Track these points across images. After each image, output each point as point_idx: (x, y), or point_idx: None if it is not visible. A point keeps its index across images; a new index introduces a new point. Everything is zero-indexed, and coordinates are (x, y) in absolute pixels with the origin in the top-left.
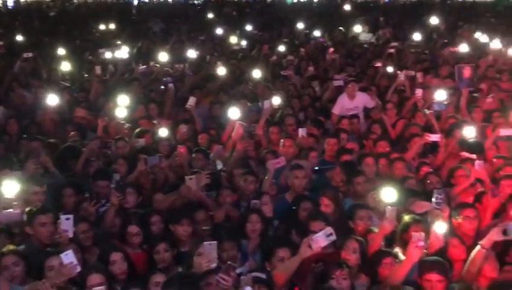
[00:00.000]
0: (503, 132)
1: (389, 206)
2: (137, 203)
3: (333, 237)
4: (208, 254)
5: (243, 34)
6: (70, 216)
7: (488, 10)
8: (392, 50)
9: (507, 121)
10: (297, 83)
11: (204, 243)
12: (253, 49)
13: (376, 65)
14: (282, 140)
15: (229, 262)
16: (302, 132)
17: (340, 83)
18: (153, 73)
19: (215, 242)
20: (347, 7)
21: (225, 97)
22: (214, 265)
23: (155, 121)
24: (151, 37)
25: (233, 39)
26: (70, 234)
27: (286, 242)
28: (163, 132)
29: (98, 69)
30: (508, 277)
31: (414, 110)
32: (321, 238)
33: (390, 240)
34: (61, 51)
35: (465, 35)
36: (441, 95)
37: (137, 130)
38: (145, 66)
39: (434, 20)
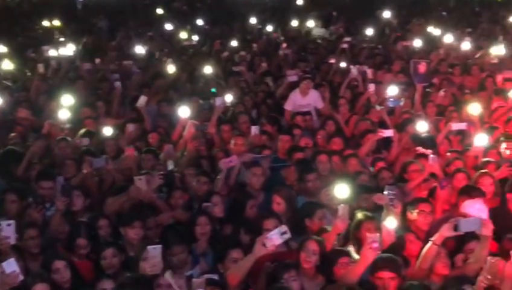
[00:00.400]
0: (455, 126)
1: (341, 205)
2: (85, 206)
3: (287, 235)
4: (152, 259)
5: (194, 30)
6: (12, 222)
7: (440, 4)
8: (345, 45)
9: (459, 115)
10: (249, 79)
11: (148, 247)
12: (204, 44)
13: (330, 61)
14: (233, 138)
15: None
16: (254, 129)
17: (294, 78)
18: (100, 71)
19: (159, 246)
20: (300, 2)
21: (175, 95)
22: (158, 270)
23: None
24: (97, 33)
25: (183, 35)
26: (13, 241)
27: (239, 243)
28: (107, 131)
29: (40, 67)
30: (459, 272)
31: (368, 106)
32: (275, 237)
33: (344, 237)
34: (2, 49)
35: (417, 30)
36: (393, 90)
37: (81, 131)
38: (90, 64)
39: (387, 15)
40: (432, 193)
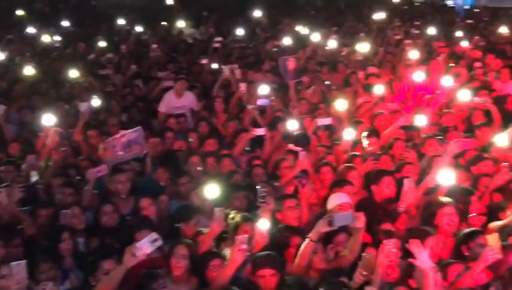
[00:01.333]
0: (320, 121)
1: (217, 208)
2: None
3: (158, 243)
4: (16, 275)
5: (58, 32)
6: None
7: (308, 3)
8: (217, 44)
9: (327, 111)
10: (118, 82)
11: (12, 263)
12: (69, 47)
13: (201, 62)
14: (101, 144)
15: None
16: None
17: (170, 83)
18: None
19: (23, 261)
20: (169, 2)
21: (38, 101)
22: (24, 287)
23: None
24: None
25: (46, 37)
26: None
27: (110, 253)
28: None
29: None
30: (335, 265)
31: (241, 106)
32: (145, 245)
33: (217, 239)
34: None
35: (286, 29)
36: (263, 89)
37: None
38: None
39: (257, 14)
40: (297, 190)
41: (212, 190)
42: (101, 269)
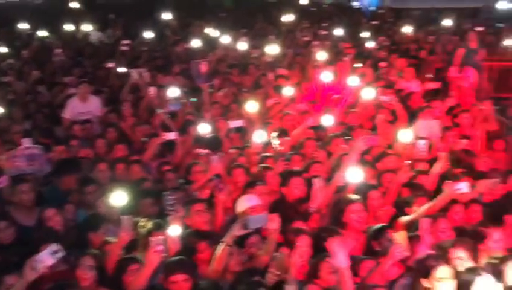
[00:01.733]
0: (232, 124)
1: (124, 216)
2: None
3: (60, 254)
4: None
5: None
6: None
7: (218, 6)
8: (125, 47)
9: (238, 114)
10: (20, 89)
11: None
12: None
13: (107, 66)
14: (2, 154)
15: None
16: (26, 142)
17: (73, 90)
18: None
19: None
20: (74, 5)
21: None
22: None
23: None
24: None
25: None
26: None
27: (13, 268)
28: None
29: None
30: (250, 266)
31: (151, 110)
32: (46, 257)
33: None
34: None
35: (196, 31)
36: (173, 92)
37: None
38: None
39: (166, 16)
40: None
41: (118, 197)
42: (3, 284)
